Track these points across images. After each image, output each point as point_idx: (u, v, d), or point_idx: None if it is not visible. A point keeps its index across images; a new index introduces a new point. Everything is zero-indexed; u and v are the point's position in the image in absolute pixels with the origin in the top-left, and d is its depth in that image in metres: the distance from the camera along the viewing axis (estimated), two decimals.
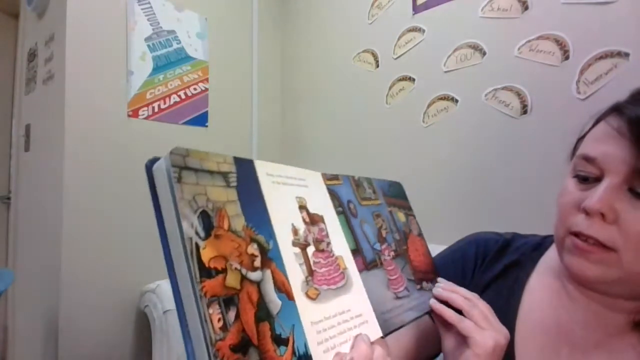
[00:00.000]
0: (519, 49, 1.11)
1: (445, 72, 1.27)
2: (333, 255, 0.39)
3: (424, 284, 0.49)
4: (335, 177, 0.45)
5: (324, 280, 0.36)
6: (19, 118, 1.74)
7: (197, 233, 0.28)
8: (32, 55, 1.56)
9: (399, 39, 1.41)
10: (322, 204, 0.41)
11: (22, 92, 1.70)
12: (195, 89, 1.55)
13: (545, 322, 0.50)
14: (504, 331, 0.44)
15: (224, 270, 0.28)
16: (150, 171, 0.30)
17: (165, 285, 1.29)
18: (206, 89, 1.59)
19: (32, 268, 1.47)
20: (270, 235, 0.33)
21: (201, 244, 0.28)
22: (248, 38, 1.78)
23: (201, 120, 1.57)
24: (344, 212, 0.44)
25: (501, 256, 0.57)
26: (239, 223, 0.31)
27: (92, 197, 1.26)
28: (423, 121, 1.33)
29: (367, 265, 0.42)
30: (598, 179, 0.42)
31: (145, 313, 1.30)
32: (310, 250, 0.36)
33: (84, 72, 1.27)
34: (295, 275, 0.33)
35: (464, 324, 0.43)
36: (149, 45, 1.42)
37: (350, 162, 1.58)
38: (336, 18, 1.65)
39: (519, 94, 1.11)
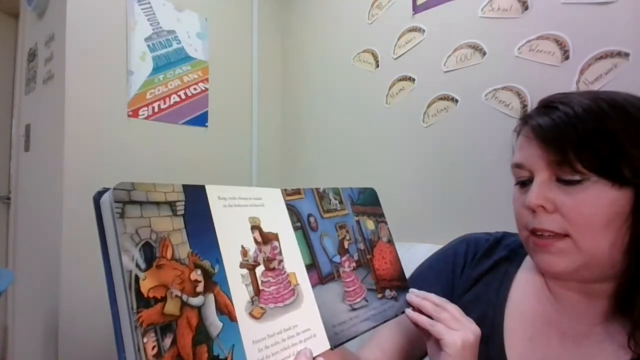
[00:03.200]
0: (519, 49, 1.11)
1: (445, 72, 1.27)
2: (284, 272, 0.40)
3: (387, 292, 0.50)
4: (296, 192, 0.46)
5: (271, 298, 0.37)
6: (19, 118, 1.74)
7: (137, 265, 0.30)
8: (32, 55, 1.56)
9: (399, 39, 1.41)
10: (278, 222, 0.42)
11: (22, 92, 1.70)
12: (195, 89, 1.55)
13: (533, 313, 0.52)
14: (472, 328, 0.46)
15: (164, 299, 0.30)
16: (98, 203, 0.32)
17: None
18: (206, 89, 1.59)
19: (32, 268, 1.47)
20: (217, 259, 0.35)
21: (141, 275, 0.29)
22: (248, 38, 1.78)
23: (201, 120, 1.57)
24: (302, 227, 0.45)
25: (491, 253, 0.60)
26: (184, 251, 0.33)
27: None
28: (423, 121, 1.33)
29: (322, 279, 0.44)
30: (531, 180, 0.48)
31: None
32: (260, 270, 0.38)
33: (84, 72, 1.27)
34: (240, 296, 0.35)
35: (434, 328, 0.46)
36: (149, 45, 1.42)
37: (350, 161, 1.58)
38: (336, 18, 1.65)
39: (519, 94, 1.11)
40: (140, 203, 0.32)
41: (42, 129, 1.45)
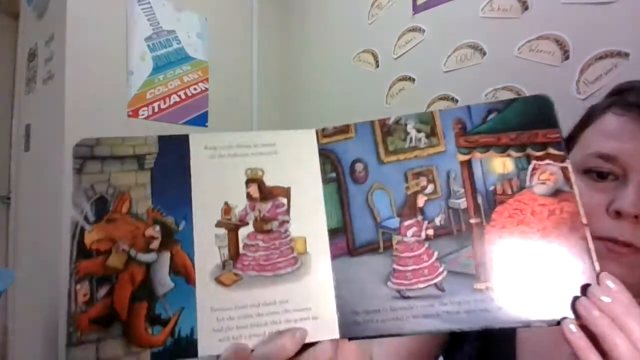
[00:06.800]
0: (519, 49, 1.11)
1: (445, 72, 1.27)
2: (287, 236, 0.33)
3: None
4: (342, 130, 0.35)
5: (254, 264, 0.32)
6: (19, 118, 1.74)
7: (85, 218, 0.31)
8: (32, 55, 1.56)
9: (399, 39, 1.41)
10: (296, 172, 0.34)
11: (22, 92, 1.70)
12: (195, 89, 1.55)
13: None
14: None
15: (108, 252, 0.31)
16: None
17: None
18: (206, 89, 1.59)
19: (32, 268, 1.47)
20: (185, 216, 0.32)
21: (88, 227, 0.31)
22: (248, 38, 1.78)
23: (201, 120, 1.57)
24: (338, 178, 0.34)
25: None
26: (144, 206, 0.32)
27: None
28: None
29: (353, 249, 0.33)
30: (617, 177, 0.39)
31: None
32: (246, 231, 0.33)
33: (84, 72, 1.27)
34: (207, 258, 0.32)
35: None
36: (149, 45, 1.42)
37: None
38: (336, 18, 1.65)
39: (518, 94, 1.11)
40: (103, 158, 0.32)
41: (42, 129, 1.45)
